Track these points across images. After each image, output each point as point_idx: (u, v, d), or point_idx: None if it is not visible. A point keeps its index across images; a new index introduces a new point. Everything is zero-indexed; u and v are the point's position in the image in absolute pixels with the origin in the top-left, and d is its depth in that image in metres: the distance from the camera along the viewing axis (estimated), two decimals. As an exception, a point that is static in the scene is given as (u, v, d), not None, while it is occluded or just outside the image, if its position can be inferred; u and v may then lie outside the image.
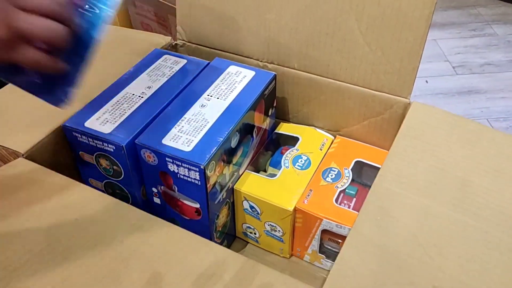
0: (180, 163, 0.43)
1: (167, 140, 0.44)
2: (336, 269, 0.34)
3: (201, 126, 0.46)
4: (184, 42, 0.61)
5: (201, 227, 0.48)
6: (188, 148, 0.43)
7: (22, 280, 0.33)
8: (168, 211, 0.49)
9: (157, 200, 0.49)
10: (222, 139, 0.44)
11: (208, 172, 0.43)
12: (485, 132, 0.46)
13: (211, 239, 0.49)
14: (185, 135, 0.45)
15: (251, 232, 0.54)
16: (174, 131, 0.45)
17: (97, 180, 0.50)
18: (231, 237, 0.56)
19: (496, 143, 0.44)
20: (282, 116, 0.60)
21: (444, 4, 2.08)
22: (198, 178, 0.43)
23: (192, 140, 0.44)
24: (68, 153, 0.49)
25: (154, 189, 0.48)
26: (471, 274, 0.34)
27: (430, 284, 0.33)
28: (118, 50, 0.58)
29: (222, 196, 0.49)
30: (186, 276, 0.34)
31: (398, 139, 0.45)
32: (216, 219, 0.49)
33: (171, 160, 0.43)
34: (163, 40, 0.60)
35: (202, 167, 0.42)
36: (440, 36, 1.89)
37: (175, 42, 0.61)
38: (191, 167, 0.43)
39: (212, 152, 0.43)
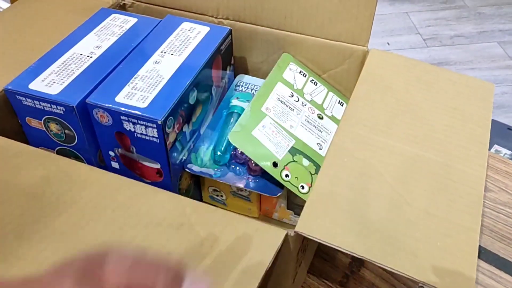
0: (136, 121, 0.41)
1: (121, 98, 0.42)
2: (307, 211, 0.34)
3: (156, 82, 0.44)
4: (132, 1, 0.57)
5: (164, 189, 0.46)
6: (143, 105, 0.41)
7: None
8: (129, 176, 0.47)
9: (115, 164, 0.47)
10: (179, 94, 0.42)
11: (166, 129, 0.41)
12: (441, 73, 0.46)
13: (175, 201, 0.48)
14: (139, 91, 0.42)
15: (217, 195, 0.53)
16: (127, 88, 0.43)
17: (48, 148, 0.47)
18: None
19: (453, 83, 0.45)
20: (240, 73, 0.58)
21: None
22: (156, 135, 0.41)
23: (148, 97, 0.42)
24: (14, 120, 0.45)
25: (111, 153, 0.45)
26: (437, 206, 0.34)
27: (401, 218, 0.33)
28: (59, 10, 0.54)
29: (184, 156, 0.47)
30: (155, 226, 0.32)
31: (359, 84, 0.44)
32: (179, 181, 0.47)
33: (126, 118, 0.41)
34: (109, 0, 0.56)
35: (159, 122, 0.40)
36: (412, 9, 1.90)
37: (123, 1, 0.57)
38: (148, 124, 0.41)
39: (169, 107, 0.41)
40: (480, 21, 1.84)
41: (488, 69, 1.61)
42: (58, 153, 0.47)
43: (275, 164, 0.43)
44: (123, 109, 0.41)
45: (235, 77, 0.57)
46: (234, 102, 0.53)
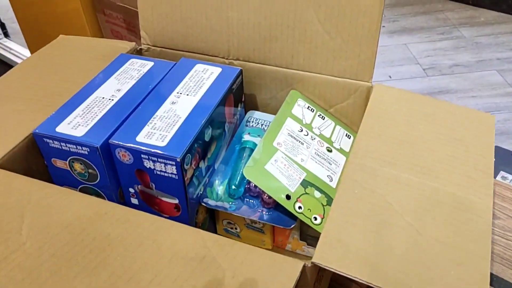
0: (156, 159, 0.43)
1: (141, 138, 0.44)
2: (323, 242, 0.35)
3: (173, 122, 0.46)
4: (148, 46, 0.61)
5: (181, 223, 0.48)
6: (162, 143, 0.44)
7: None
8: (147, 211, 0.49)
9: (134, 201, 0.49)
10: (195, 132, 0.45)
11: (184, 166, 0.44)
12: (441, 105, 0.49)
13: (192, 235, 0.49)
14: (158, 131, 0.45)
15: (231, 228, 0.55)
16: (147, 128, 0.46)
17: (72, 186, 0.49)
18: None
19: (453, 115, 0.47)
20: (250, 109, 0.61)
21: (413, 10, 2.20)
22: (175, 172, 0.44)
23: (166, 136, 0.45)
24: (41, 162, 0.48)
25: (131, 190, 0.48)
26: (447, 235, 0.36)
27: (414, 247, 0.35)
28: (81, 58, 0.58)
29: (200, 190, 0.49)
30: (179, 260, 0.34)
31: (365, 118, 0.47)
32: (196, 215, 0.49)
33: (147, 157, 0.44)
34: (127, 45, 0.60)
35: (178, 160, 0.42)
36: (410, 41, 1.98)
37: (140, 47, 0.61)
38: (168, 161, 0.43)
39: (186, 145, 0.44)
40: (477, 51, 1.88)
41: (489, 97, 1.64)
42: (80, 190, 0.49)
43: (288, 197, 0.45)
44: (143, 148, 0.43)
45: (245, 113, 0.60)
46: (246, 137, 0.55)
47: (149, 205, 0.49)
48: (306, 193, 0.46)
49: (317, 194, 0.46)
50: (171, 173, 0.44)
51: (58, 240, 0.36)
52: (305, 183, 0.47)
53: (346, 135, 0.55)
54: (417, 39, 1.99)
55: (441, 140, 0.44)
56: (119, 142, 0.44)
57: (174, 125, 0.46)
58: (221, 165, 0.53)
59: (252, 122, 0.58)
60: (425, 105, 0.48)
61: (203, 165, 0.48)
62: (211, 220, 0.54)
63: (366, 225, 0.37)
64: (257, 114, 0.59)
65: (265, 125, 0.57)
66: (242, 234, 0.55)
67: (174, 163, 0.43)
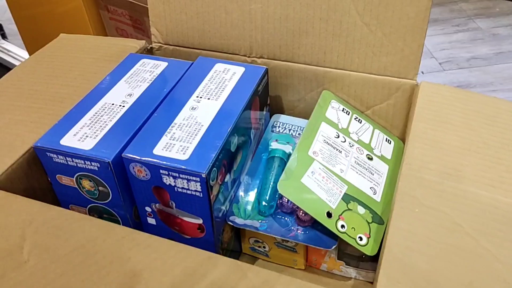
0: (177, 175, 0.37)
1: (159, 150, 0.38)
2: (383, 274, 0.29)
3: (195, 130, 0.40)
4: (160, 44, 0.55)
5: (206, 245, 0.42)
6: (184, 157, 0.38)
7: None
8: (166, 232, 0.43)
9: (151, 220, 0.43)
10: (221, 142, 0.39)
11: (210, 182, 0.38)
12: (501, 105, 0.42)
13: (217, 258, 0.43)
14: (178, 142, 0.39)
15: (259, 246, 0.49)
16: (165, 139, 0.39)
17: (80, 205, 0.43)
18: (236, 254, 0.50)
19: (519, 116, 0.41)
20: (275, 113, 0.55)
21: None
22: (199, 189, 0.38)
23: (188, 147, 0.39)
24: (44, 179, 0.42)
25: (148, 209, 0.42)
26: (529, 260, 0.30)
27: (495, 279, 0.28)
28: (86, 59, 0.52)
29: (226, 207, 0.43)
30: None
31: (415, 121, 0.41)
32: (221, 235, 0.43)
33: (167, 172, 0.37)
34: (136, 44, 0.54)
35: (203, 175, 0.36)
36: None
37: (150, 45, 0.55)
38: (191, 178, 0.37)
39: (212, 158, 0.37)
40: (495, 42, 1.81)
41: (510, 91, 1.57)
42: (90, 210, 0.43)
43: (329, 214, 0.39)
44: (163, 162, 0.37)
45: (270, 117, 0.54)
46: (274, 145, 0.49)
47: (168, 225, 0.42)
48: (349, 209, 0.39)
49: (361, 209, 0.40)
50: (195, 191, 0.38)
51: (68, 261, 0.31)
52: (347, 198, 0.41)
53: (386, 140, 0.48)
54: (431, 32, 1.87)
55: (509, 146, 0.38)
56: (134, 156, 0.38)
57: (196, 135, 0.40)
58: (248, 177, 0.47)
59: (279, 127, 0.52)
60: (483, 105, 0.42)
61: (229, 178, 0.42)
62: (236, 238, 0.48)
63: (432, 252, 0.31)
64: (283, 118, 0.53)
65: (293, 130, 0.51)
66: (271, 253, 0.49)
67: (198, 179, 0.37)
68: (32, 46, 0.96)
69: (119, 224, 0.43)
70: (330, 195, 0.40)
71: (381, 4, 0.43)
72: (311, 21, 0.46)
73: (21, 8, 0.83)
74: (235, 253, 0.49)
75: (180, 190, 0.38)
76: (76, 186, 0.41)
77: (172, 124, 0.41)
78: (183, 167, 0.37)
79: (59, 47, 0.54)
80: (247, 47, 0.51)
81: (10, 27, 1.53)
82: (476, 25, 1.93)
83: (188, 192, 0.38)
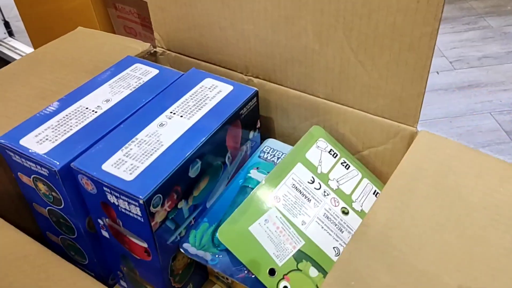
0: (118, 195, 0.35)
1: (108, 166, 0.37)
2: None
3: (152, 149, 0.38)
4: (163, 50, 0.53)
5: (154, 270, 0.40)
6: (129, 177, 0.36)
7: None
8: (118, 247, 0.42)
9: (105, 233, 0.41)
10: (173, 167, 0.36)
11: (151, 208, 0.35)
12: (506, 179, 0.35)
13: (166, 284, 0.41)
14: (130, 159, 0.37)
15: (222, 276, 0.46)
16: (119, 154, 0.38)
17: (40, 205, 0.43)
18: (200, 279, 0.47)
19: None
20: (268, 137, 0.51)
21: None
22: (140, 214, 0.35)
23: (138, 167, 0.36)
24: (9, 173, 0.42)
25: (100, 221, 0.40)
26: None
27: None
28: (85, 56, 0.51)
29: (180, 234, 0.41)
30: None
31: (394, 177, 0.35)
32: (173, 262, 0.41)
33: (109, 190, 0.36)
34: (140, 46, 0.53)
35: (141, 202, 0.34)
36: None
37: (155, 49, 0.54)
38: (131, 201, 0.35)
39: (157, 183, 0.35)
40: (507, 41, 1.70)
41: (521, 90, 1.48)
42: (49, 212, 0.43)
43: (272, 272, 0.35)
44: (105, 180, 0.35)
45: (263, 139, 0.50)
46: (253, 173, 0.45)
47: (119, 242, 0.41)
48: (298, 269, 0.35)
49: (313, 272, 0.35)
50: (136, 214, 0.36)
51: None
52: (299, 256, 0.36)
53: (374, 193, 0.43)
54: (441, 30, 1.83)
55: (499, 224, 0.31)
56: (81, 169, 0.36)
57: (151, 155, 0.38)
58: (216, 204, 0.44)
59: (268, 153, 0.48)
60: (488, 169, 0.35)
61: (184, 205, 0.40)
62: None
63: None
64: (275, 144, 0.49)
65: (281, 159, 0.47)
66: (233, 286, 0.45)
67: (137, 203, 0.34)
68: (38, 44, 0.99)
69: (74, 233, 0.42)
70: (279, 249, 0.36)
71: (376, 45, 0.37)
72: (303, 51, 0.42)
73: (27, 4, 0.85)
74: (199, 276, 0.47)
75: (123, 210, 0.36)
76: (34, 187, 0.41)
77: (133, 139, 0.39)
78: (123, 188, 0.35)
79: (67, 41, 0.54)
80: (243, 66, 0.48)
81: (17, 25, 1.59)
82: (487, 23, 1.82)
83: (130, 214, 0.36)
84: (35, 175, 0.39)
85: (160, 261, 0.39)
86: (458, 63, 1.66)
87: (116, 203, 0.36)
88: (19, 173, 0.41)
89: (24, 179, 0.41)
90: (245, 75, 0.49)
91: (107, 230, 0.41)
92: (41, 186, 0.40)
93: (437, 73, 1.59)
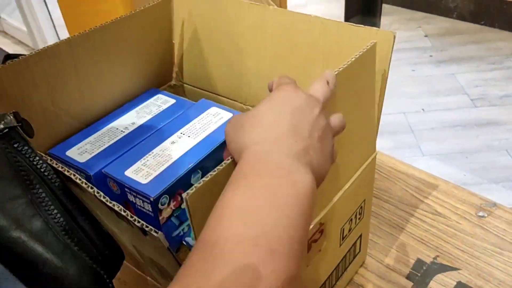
0: (136, 194, 0.47)
1: (130, 172, 0.48)
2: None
3: (164, 161, 0.49)
4: (181, 83, 0.66)
5: (162, 257, 0.51)
6: (145, 181, 0.47)
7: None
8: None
9: (126, 227, 0.53)
10: (178, 175, 0.47)
11: (160, 205, 0.46)
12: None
13: (172, 270, 0.52)
14: (147, 168, 0.48)
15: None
16: (138, 164, 0.49)
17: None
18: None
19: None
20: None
21: (463, 40, 2.14)
22: (150, 209, 0.46)
23: (151, 174, 0.48)
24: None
25: (123, 217, 0.52)
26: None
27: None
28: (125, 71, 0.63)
29: (183, 230, 0.51)
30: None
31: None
32: (177, 253, 0.51)
33: (129, 191, 0.47)
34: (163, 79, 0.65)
35: (152, 199, 0.45)
36: (458, 70, 1.92)
37: (174, 83, 0.66)
38: (144, 199, 0.46)
39: (164, 186, 0.46)
40: None
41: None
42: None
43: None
44: (126, 182, 0.47)
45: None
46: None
47: (137, 234, 0.52)
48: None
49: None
50: (148, 210, 0.47)
51: None
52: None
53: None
54: (465, 69, 1.93)
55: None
56: (110, 174, 0.48)
57: (163, 165, 0.49)
58: (215, 208, 0.54)
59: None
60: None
61: (187, 206, 0.50)
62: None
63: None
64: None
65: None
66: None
67: (148, 201, 0.46)
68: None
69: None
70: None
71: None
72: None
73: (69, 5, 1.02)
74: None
75: (139, 207, 0.48)
76: (74, 188, 0.53)
77: (150, 153, 0.51)
78: (139, 189, 0.46)
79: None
80: (242, 96, 0.59)
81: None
82: (512, 64, 1.89)
83: (144, 210, 0.47)
84: (75, 179, 0.51)
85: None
86: (480, 101, 1.74)
87: (134, 201, 0.47)
88: (64, 177, 0.53)
89: (67, 182, 0.53)
90: (244, 104, 0.60)
91: (128, 225, 0.52)
92: (79, 187, 0.52)
93: (423, 109, 1.67)
